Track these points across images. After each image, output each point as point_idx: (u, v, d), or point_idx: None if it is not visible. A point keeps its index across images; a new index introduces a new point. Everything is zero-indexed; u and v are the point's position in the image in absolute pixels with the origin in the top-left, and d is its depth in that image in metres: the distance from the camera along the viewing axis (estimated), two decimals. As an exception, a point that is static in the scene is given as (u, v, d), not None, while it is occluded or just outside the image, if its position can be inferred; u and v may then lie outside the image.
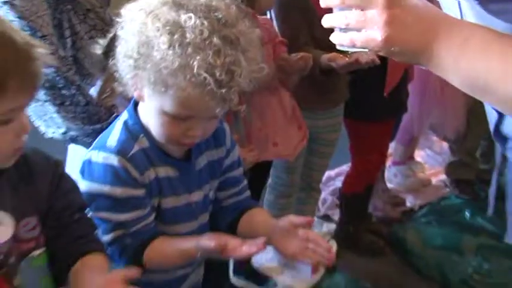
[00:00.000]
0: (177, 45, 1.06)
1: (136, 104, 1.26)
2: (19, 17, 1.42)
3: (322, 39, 2.07)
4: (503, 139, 1.17)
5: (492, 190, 1.32)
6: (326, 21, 0.91)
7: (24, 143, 1.05)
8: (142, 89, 1.18)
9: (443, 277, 2.54)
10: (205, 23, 1.07)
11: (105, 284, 1.06)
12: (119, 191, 1.20)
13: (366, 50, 0.91)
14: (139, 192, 1.22)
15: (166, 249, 1.23)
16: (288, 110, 2.21)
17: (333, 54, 2.12)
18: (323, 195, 2.95)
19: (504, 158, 1.21)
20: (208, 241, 1.14)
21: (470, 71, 0.88)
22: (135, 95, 1.21)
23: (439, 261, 2.64)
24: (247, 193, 1.46)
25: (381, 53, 0.91)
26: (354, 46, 0.90)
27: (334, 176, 3.16)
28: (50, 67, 1.29)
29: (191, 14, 1.08)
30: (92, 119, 1.51)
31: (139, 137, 1.23)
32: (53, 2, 1.50)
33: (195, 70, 1.06)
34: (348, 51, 1.51)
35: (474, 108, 2.88)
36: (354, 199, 2.79)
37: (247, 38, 1.13)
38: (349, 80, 2.37)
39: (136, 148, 1.22)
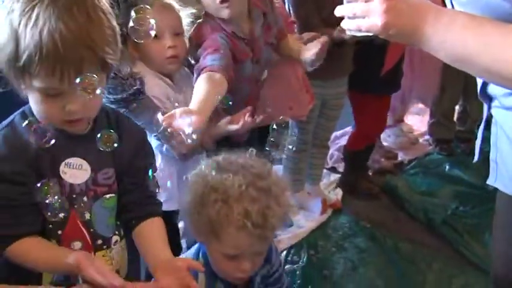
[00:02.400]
0: (220, 200, 1.16)
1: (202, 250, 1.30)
2: None
3: (328, 19, 2.16)
4: (489, 98, 1.20)
5: (478, 141, 1.34)
6: (338, 11, 1.00)
7: (75, 116, 1.04)
8: (201, 236, 1.24)
9: (427, 218, 2.68)
10: (243, 178, 1.17)
11: (170, 263, 1.12)
12: None
13: (370, 33, 0.97)
14: None
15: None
16: (300, 79, 2.27)
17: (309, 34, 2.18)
18: (331, 151, 3.07)
19: (490, 114, 1.23)
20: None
21: (452, 48, 0.94)
22: (198, 240, 1.28)
23: (424, 205, 2.75)
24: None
25: (381, 36, 0.98)
26: (359, 31, 0.98)
27: (340, 136, 3.27)
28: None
29: (231, 174, 1.17)
30: (116, 89, 1.51)
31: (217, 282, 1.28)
32: None
33: (234, 216, 1.15)
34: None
35: (446, 80, 3.16)
36: (355, 155, 2.92)
37: (279, 186, 1.21)
38: (353, 55, 2.48)
39: None
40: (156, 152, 1.31)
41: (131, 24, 1.11)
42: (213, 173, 1.20)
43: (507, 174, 1.20)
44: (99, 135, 1.07)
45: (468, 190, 2.90)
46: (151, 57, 1.58)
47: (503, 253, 1.34)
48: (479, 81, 1.19)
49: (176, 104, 1.58)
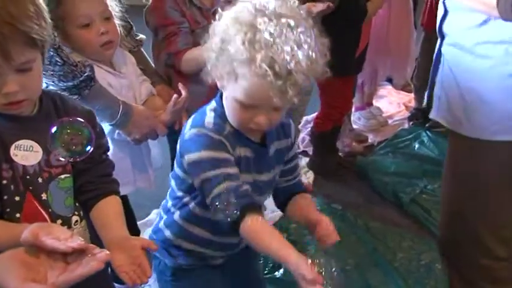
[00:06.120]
0: (247, 42, 1.08)
1: (221, 96, 1.24)
2: None
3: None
4: (442, 36, 1.25)
5: (429, 83, 1.39)
6: None
7: (15, 98, 1.01)
8: (221, 79, 1.17)
9: (396, 197, 2.70)
10: (276, 27, 1.08)
11: (124, 240, 1.07)
12: (220, 154, 1.19)
13: None
14: (233, 158, 1.21)
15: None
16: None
17: (308, 4, 2.19)
18: (302, 135, 3.08)
19: (440, 52, 1.28)
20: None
21: None
22: (218, 84, 1.20)
23: (393, 185, 2.77)
24: (299, 177, 1.42)
25: None
26: None
27: (310, 120, 3.22)
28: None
29: (266, 19, 1.09)
30: (67, 77, 1.44)
31: (227, 122, 1.22)
32: None
33: (257, 63, 1.07)
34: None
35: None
36: (322, 136, 2.93)
37: (311, 42, 1.12)
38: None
39: (227, 130, 1.22)
40: (107, 138, 1.27)
41: None
42: (247, 14, 1.12)
43: (447, 107, 1.27)
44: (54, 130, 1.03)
45: (436, 168, 2.88)
46: (85, 47, 1.51)
47: (447, 210, 1.46)
48: (439, 17, 1.23)
49: (123, 91, 1.58)
